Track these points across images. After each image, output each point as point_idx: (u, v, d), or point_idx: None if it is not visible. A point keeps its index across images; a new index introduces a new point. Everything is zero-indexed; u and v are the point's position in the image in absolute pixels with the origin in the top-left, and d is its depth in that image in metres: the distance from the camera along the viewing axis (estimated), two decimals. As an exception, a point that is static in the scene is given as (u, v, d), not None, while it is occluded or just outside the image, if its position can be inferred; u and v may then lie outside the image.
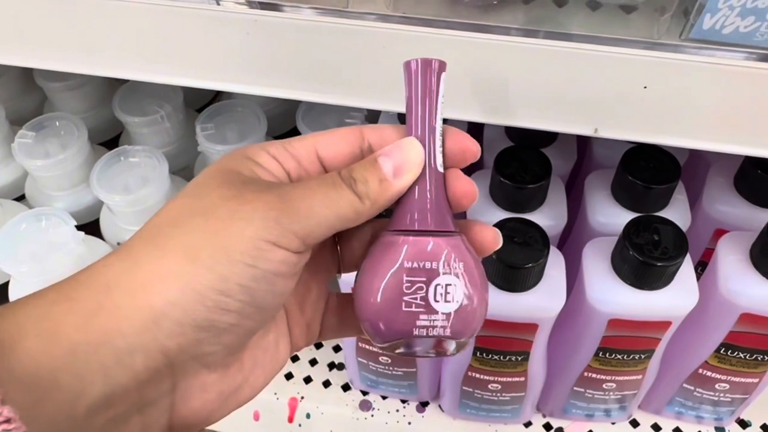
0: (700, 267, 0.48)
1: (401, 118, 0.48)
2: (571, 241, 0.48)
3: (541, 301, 0.39)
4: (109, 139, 0.59)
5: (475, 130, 0.52)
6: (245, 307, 0.22)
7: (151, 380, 0.22)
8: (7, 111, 0.55)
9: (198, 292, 0.21)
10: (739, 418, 0.53)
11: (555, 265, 0.40)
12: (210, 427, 0.59)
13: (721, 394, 0.48)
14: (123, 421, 0.22)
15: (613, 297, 0.39)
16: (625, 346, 0.42)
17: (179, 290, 0.21)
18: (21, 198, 0.57)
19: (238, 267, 0.22)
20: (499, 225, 0.38)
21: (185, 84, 0.34)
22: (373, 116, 0.51)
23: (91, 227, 0.53)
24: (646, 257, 0.37)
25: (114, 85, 0.56)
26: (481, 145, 0.48)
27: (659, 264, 0.37)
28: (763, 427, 0.53)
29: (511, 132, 0.47)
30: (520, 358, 0.43)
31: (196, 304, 0.21)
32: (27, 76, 0.59)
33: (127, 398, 0.22)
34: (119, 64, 0.34)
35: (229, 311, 0.22)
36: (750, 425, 0.53)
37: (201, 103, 0.58)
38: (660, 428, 0.53)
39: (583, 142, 0.50)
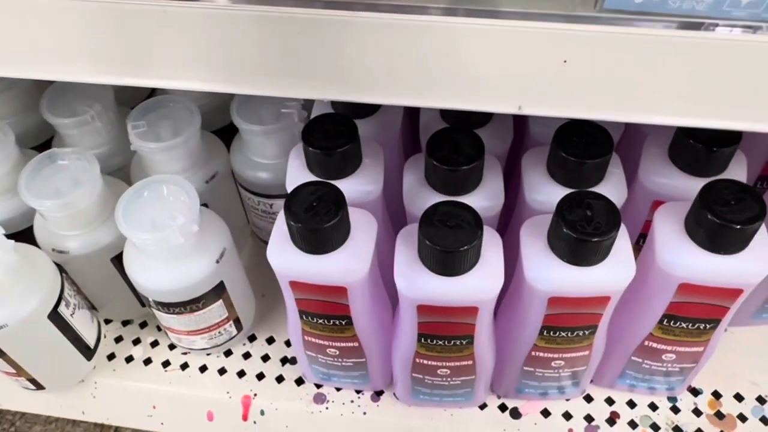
0: (642, 239, 0.48)
1: (335, 106, 0.47)
2: (513, 221, 0.48)
3: (479, 283, 0.38)
4: (40, 143, 0.57)
5: (411, 113, 0.51)
6: None
7: None
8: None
9: None
10: (690, 386, 0.53)
11: (491, 246, 0.39)
12: (163, 430, 0.58)
13: (669, 365, 0.48)
14: None
15: (550, 275, 0.39)
16: (568, 323, 0.42)
17: None
18: (-49, 209, 0.55)
19: None
20: (431, 209, 0.38)
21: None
22: (308, 105, 0.50)
23: (24, 235, 0.51)
24: (579, 233, 0.37)
25: (42, 87, 0.54)
26: (417, 129, 0.48)
27: (593, 240, 0.37)
28: (715, 393, 0.53)
29: (446, 114, 0.47)
30: (464, 342, 0.43)
31: None
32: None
33: None
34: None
35: None
36: (701, 393, 0.53)
37: (136, 101, 0.57)
38: (614, 401, 0.53)
39: (520, 122, 0.49)
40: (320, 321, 0.44)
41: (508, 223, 0.49)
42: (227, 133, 0.55)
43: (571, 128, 0.42)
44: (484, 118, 0.46)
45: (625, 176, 0.44)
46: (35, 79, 0.34)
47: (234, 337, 0.55)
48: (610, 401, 0.53)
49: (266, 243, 0.41)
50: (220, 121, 0.58)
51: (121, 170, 0.55)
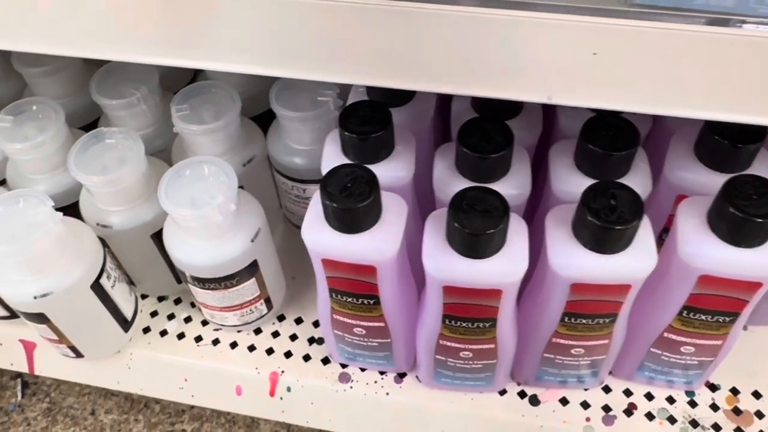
0: (664, 233, 0.49)
1: (369, 93, 0.49)
2: (538, 211, 0.49)
3: (504, 266, 0.40)
4: (88, 123, 0.60)
5: (442, 105, 0.53)
6: None
7: None
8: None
9: None
10: (708, 381, 0.54)
11: (517, 231, 0.41)
12: (194, 403, 0.60)
13: (688, 357, 0.49)
14: None
15: (574, 261, 0.40)
16: (589, 310, 0.43)
17: None
18: (2, 183, 0.58)
19: None
20: (461, 193, 0.39)
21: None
22: (345, 92, 0.52)
23: (71, 209, 0.54)
24: (602, 221, 0.38)
25: (92, 71, 0.56)
26: (449, 118, 0.50)
27: (616, 227, 0.38)
28: (733, 390, 0.54)
29: (477, 104, 0.48)
30: (487, 325, 0.44)
31: None
32: (5, 62, 0.60)
33: None
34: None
35: None
36: (719, 388, 0.54)
37: (179, 86, 0.59)
38: (632, 393, 0.54)
39: (550, 114, 0.51)
40: (349, 300, 0.46)
41: (534, 214, 0.50)
42: (265, 120, 0.58)
43: (599, 121, 0.43)
44: (515, 109, 0.48)
45: (651, 171, 0.45)
46: (92, 59, 0.36)
47: (264, 315, 0.58)
48: (628, 392, 0.54)
49: (298, 228, 0.43)
50: (258, 107, 0.60)
51: (164, 152, 0.57)
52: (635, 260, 0.40)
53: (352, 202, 0.40)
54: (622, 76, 0.32)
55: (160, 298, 0.62)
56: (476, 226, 0.38)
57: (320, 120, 0.53)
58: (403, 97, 0.49)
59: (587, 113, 0.48)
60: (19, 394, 0.81)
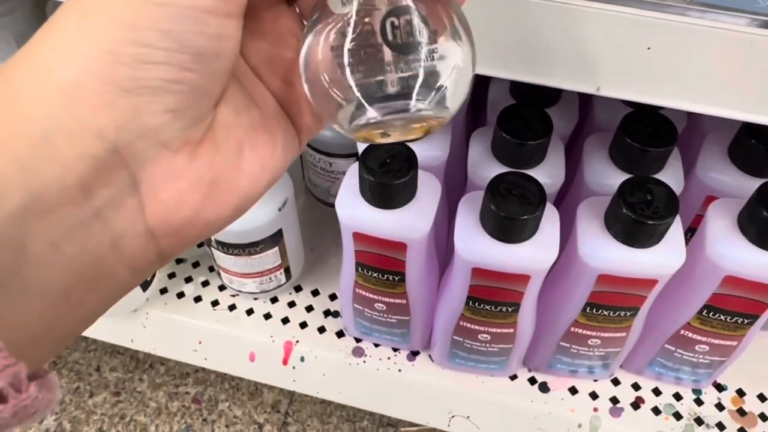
0: (690, 233, 0.50)
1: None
2: (568, 200, 0.49)
3: (535, 253, 0.40)
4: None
5: (480, 89, 0.53)
6: (175, 55, 0.18)
7: (96, 173, 0.18)
8: (19, 47, 0.56)
9: (107, 51, 0.18)
10: (715, 381, 0.55)
11: (550, 219, 0.41)
12: (205, 365, 0.61)
13: (701, 356, 0.50)
14: (76, 230, 0.18)
15: (603, 253, 0.41)
16: (612, 302, 0.44)
17: (82, 54, 0.18)
18: None
19: (144, 8, 0.18)
20: (499, 178, 0.40)
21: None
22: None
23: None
24: (638, 215, 0.38)
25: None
26: (486, 104, 0.50)
27: (650, 222, 0.38)
28: (739, 391, 0.55)
29: (515, 92, 0.48)
30: (510, 309, 0.45)
31: (111, 65, 0.18)
32: (39, 11, 0.60)
33: (69, 199, 0.18)
34: None
35: (156, 63, 0.18)
36: (726, 389, 0.55)
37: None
38: (640, 387, 0.55)
39: (585, 106, 0.51)
40: (375, 275, 0.46)
41: (561, 202, 0.51)
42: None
43: (638, 117, 0.43)
44: (553, 98, 0.48)
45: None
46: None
47: (282, 285, 0.58)
48: (636, 386, 0.55)
49: (319, 200, 0.43)
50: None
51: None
52: (664, 256, 0.40)
53: (391, 178, 0.40)
54: (673, 72, 0.32)
55: (178, 260, 0.62)
56: (513, 211, 0.39)
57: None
58: None
59: (622, 106, 0.49)
60: (26, 346, 0.81)
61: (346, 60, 0.20)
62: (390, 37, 0.19)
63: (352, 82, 0.20)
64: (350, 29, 0.20)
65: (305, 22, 0.23)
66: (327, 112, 0.21)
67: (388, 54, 0.19)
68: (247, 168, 0.22)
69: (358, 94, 0.20)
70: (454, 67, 0.20)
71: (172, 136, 0.19)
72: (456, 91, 0.21)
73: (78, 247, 0.19)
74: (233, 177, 0.21)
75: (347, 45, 0.20)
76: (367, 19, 0.19)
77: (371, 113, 0.20)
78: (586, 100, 0.51)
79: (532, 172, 0.44)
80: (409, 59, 0.20)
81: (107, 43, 0.18)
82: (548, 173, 0.44)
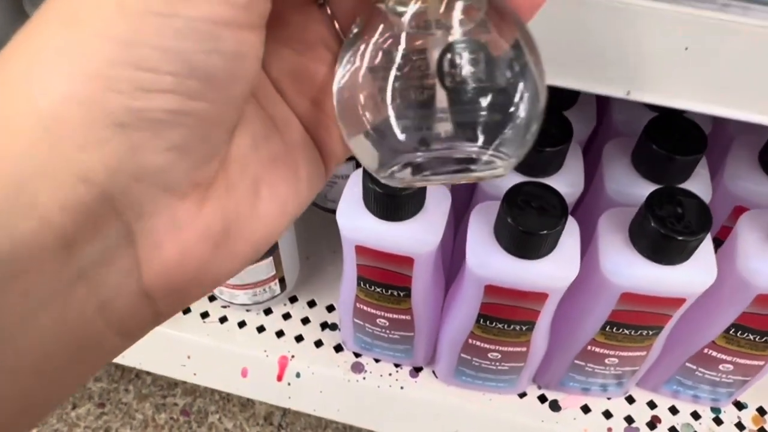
0: (715, 244, 0.46)
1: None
2: (584, 209, 0.46)
3: (555, 270, 0.37)
4: None
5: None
6: (183, 82, 0.14)
7: (82, 225, 0.15)
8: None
9: (96, 74, 0.14)
10: (735, 399, 0.52)
11: (570, 233, 0.38)
12: (195, 381, 0.57)
13: (724, 375, 0.47)
14: (55, 296, 0.15)
15: (628, 270, 0.37)
16: (635, 321, 0.41)
17: (66, 76, 0.14)
18: None
19: (143, 20, 0.14)
20: (516, 188, 0.36)
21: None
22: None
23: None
24: (668, 230, 0.35)
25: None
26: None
27: (681, 238, 0.35)
28: (759, 409, 0.52)
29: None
30: (524, 328, 0.42)
31: (102, 92, 0.14)
32: (17, 5, 0.56)
33: (48, 259, 0.14)
34: None
35: (159, 91, 0.14)
36: (746, 407, 0.52)
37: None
38: (656, 405, 0.52)
39: (601, 109, 0.48)
40: (378, 290, 0.43)
41: (575, 212, 0.48)
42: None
43: (663, 121, 0.40)
44: (569, 101, 0.45)
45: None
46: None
47: (276, 296, 0.55)
48: (652, 405, 0.52)
49: (316, 205, 0.40)
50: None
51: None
52: (694, 274, 0.37)
53: (398, 189, 0.36)
54: (711, 75, 0.29)
55: (166, 269, 0.59)
56: (532, 225, 0.35)
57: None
58: None
59: (642, 109, 0.46)
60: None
61: (389, 98, 0.16)
62: (448, 78, 0.15)
63: (397, 129, 0.16)
64: (398, 55, 0.15)
65: (336, 26, 0.19)
66: (361, 153, 0.18)
67: (442, 97, 0.15)
68: (264, 211, 0.18)
69: (401, 141, 0.16)
70: (524, 114, 0.17)
71: (177, 179, 0.16)
72: (523, 142, 0.18)
73: (57, 315, 0.15)
74: (248, 223, 0.18)
75: (391, 80, 0.16)
76: (421, 45, 0.15)
77: (416, 169, 0.17)
78: (603, 103, 0.47)
79: (550, 181, 0.40)
80: (468, 108, 0.16)
81: (97, 63, 0.14)
82: (567, 182, 0.41)
